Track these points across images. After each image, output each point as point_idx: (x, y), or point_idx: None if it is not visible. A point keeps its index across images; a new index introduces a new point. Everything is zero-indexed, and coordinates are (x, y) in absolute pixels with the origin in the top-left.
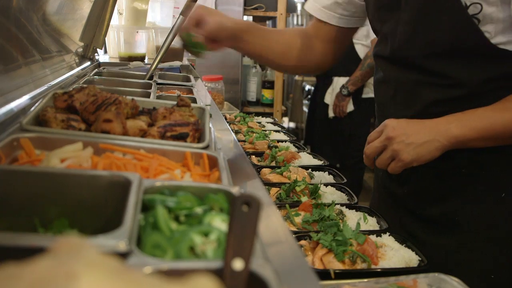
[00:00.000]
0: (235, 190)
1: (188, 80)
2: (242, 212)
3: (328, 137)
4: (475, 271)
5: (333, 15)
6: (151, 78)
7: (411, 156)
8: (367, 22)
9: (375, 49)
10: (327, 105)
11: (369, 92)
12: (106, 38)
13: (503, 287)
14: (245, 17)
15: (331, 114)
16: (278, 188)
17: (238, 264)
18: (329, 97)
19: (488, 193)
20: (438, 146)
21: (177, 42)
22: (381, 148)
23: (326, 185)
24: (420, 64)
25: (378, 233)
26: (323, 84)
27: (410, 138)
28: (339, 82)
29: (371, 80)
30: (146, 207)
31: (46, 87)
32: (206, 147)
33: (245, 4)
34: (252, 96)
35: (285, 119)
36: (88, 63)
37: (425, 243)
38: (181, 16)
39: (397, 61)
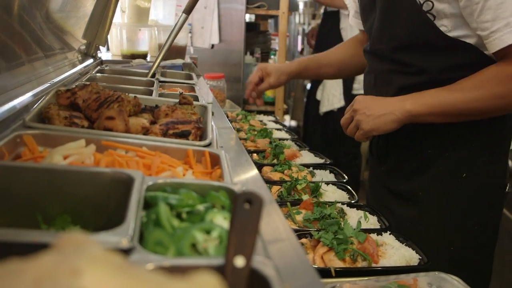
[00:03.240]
0: (236, 187)
1: (190, 78)
2: (244, 210)
3: (320, 134)
4: (434, 242)
5: (359, 22)
6: (153, 76)
7: (370, 125)
8: None
9: (365, 46)
10: (318, 102)
11: (359, 89)
12: (108, 36)
13: (455, 258)
14: (247, 15)
15: (321, 110)
16: (280, 186)
17: (239, 261)
18: (320, 94)
19: (450, 172)
20: (394, 119)
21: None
22: (350, 119)
23: (327, 183)
24: (389, 55)
25: (379, 231)
26: (315, 81)
27: (371, 110)
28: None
29: (360, 77)
30: (148, 204)
31: (48, 84)
32: (208, 145)
33: (247, 3)
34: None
35: (287, 117)
36: (91, 60)
37: (395, 214)
38: (183, 14)
39: (374, 53)
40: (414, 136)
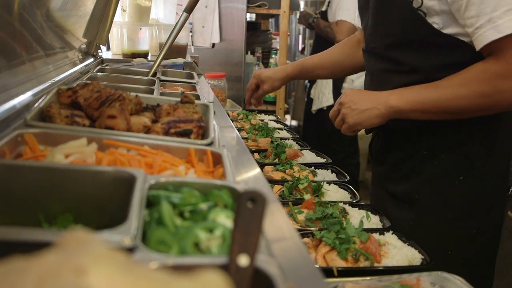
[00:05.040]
0: (239, 186)
1: (191, 77)
2: (248, 208)
3: (313, 132)
4: (431, 246)
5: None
6: (154, 75)
7: (354, 119)
8: None
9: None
10: (312, 100)
11: (349, 88)
12: (109, 35)
13: (456, 260)
14: (248, 15)
15: (313, 108)
16: (281, 186)
17: (243, 260)
18: (313, 92)
19: (446, 174)
20: (378, 114)
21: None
22: (337, 112)
23: (329, 183)
24: (383, 54)
25: (381, 231)
26: (311, 80)
27: (356, 104)
28: None
29: (350, 76)
30: (151, 203)
31: (49, 83)
32: (210, 144)
33: (248, 2)
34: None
35: (287, 117)
36: (91, 59)
37: (392, 216)
38: (184, 13)
39: (370, 52)
40: (410, 137)
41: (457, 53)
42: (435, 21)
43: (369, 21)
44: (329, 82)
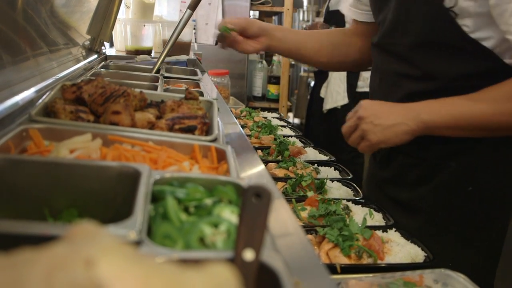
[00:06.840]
0: (244, 182)
1: (195, 74)
2: (253, 203)
3: (323, 131)
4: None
5: (358, 12)
6: (158, 71)
7: (378, 137)
8: None
9: (372, 38)
10: (322, 99)
11: (363, 87)
12: (113, 32)
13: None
14: (252, 12)
15: (325, 107)
16: (284, 183)
17: (248, 255)
18: (324, 91)
19: (455, 185)
20: (407, 130)
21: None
22: (354, 127)
23: (332, 180)
24: (400, 53)
25: (384, 228)
26: (319, 78)
27: (379, 119)
28: (333, 76)
29: (365, 74)
30: (156, 198)
31: (53, 79)
32: (214, 140)
33: None
34: (257, 91)
35: (290, 115)
36: (95, 56)
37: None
38: (188, 10)
39: (383, 49)
40: (420, 143)
41: (481, 62)
42: (466, 24)
43: (388, 14)
44: (343, 80)
